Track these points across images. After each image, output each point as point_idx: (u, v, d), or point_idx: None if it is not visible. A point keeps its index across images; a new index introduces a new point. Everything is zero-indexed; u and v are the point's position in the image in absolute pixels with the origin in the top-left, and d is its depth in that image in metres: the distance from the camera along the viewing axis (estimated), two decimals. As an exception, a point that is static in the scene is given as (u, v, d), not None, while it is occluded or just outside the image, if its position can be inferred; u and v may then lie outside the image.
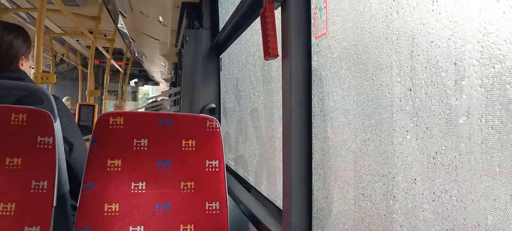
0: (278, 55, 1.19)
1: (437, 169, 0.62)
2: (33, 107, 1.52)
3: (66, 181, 1.64)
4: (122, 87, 9.31)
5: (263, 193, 1.77)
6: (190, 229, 1.56)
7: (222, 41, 2.43)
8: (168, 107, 3.92)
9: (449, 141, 0.60)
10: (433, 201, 0.64)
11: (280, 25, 1.20)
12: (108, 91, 6.92)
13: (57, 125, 1.54)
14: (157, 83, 12.50)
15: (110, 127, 1.58)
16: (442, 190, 0.62)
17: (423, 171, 0.66)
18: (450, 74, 0.59)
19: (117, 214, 1.53)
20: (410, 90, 0.69)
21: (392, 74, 0.74)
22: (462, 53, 0.57)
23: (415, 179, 0.68)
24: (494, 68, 0.52)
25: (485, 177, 0.54)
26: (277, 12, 1.22)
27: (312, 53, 1.14)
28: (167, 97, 4.39)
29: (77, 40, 7.07)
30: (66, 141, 1.68)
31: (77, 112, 4.69)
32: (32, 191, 1.46)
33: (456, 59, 0.58)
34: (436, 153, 0.63)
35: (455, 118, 0.59)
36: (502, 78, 0.50)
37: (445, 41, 0.60)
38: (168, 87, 9.14)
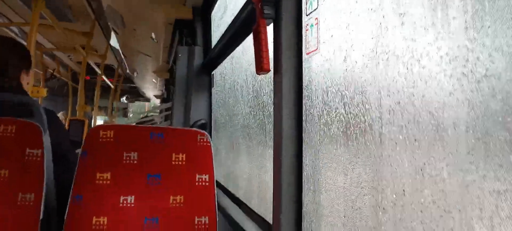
0: (270, 70, 1.20)
1: (425, 180, 0.64)
2: (22, 119, 1.51)
3: (53, 194, 1.62)
4: (112, 103, 9.27)
5: (253, 208, 1.76)
6: None
7: (214, 58, 2.45)
8: (158, 123, 3.91)
9: (437, 152, 0.61)
10: (421, 211, 0.65)
11: (272, 41, 1.22)
12: (99, 107, 6.88)
13: (46, 137, 1.53)
14: (148, 100, 12.47)
15: (100, 140, 1.57)
16: (430, 201, 0.63)
17: (411, 182, 0.67)
18: (436, 88, 0.61)
19: (105, 227, 1.51)
20: (398, 103, 0.70)
21: (380, 88, 0.76)
22: (449, 66, 0.59)
23: (404, 191, 0.69)
24: (479, 83, 0.54)
25: (471, 186, 0.55)
26: (270, 29, 1.24)
27: (303, 69, 1.16)
28: (158, 113, 4.37)
29: (68, 56, 7.05)
30: (58, 154, 1.67)
31: (67, 127, 4.65)
32: (18, 203, 1.44)
33: (442, 73, 0.60)
34: (424, 164, 0.64)
35: (442, 129, 0.60)
36: (487, 90, 0.52)
37: (434, 55, 0.62)
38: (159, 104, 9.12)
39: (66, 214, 1.49)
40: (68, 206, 1.49)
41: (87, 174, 1.54)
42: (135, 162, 1.58)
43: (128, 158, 1.58)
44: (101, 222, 1.52)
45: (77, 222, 1.49)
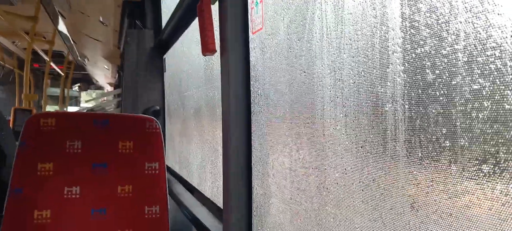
0: (216, 51, 1.16)
1: (365, 158, 0.62)
2: None
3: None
4: (64, 92, 8.85)
5: (206, 195, 1.73)
6: None
7: (165, 40, 2.37)
8: (110, 111, 3.77)
9: (376, 129, 0.60)
10: (362, 190, 0.63)
11: (218, 21, 1.18)
12: (49, 96, 6.55)
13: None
14: (101, 88, 12.03)
15: (41, 128, 1.48)
16: (370, 179, 0.62)
17: (352, 160, 0.65)
18: (375, 62, 0.59)
19: (48, 221, 1.43)
20: (339, 80, 0.68)
21: (323, 66, 0.74)
22: (386, 40, 0.57)
23: (346, 169, 0.67)
24: (415, 53, 0.52)
25: (409, 162, 0.54)
26: (215, 7, 1.20)
27: (250, 49, 1.12)
28: (111, 100, 4.21)
29: (13, 42, 6.64)
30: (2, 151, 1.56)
31: (12, 117, 4.39)
32: None
33: (380, 47, 0.58)
34: (364, 141, 0.63)
35: (381, 105, 0.59)
36: (422, 62, 0.51)
37: (370, 29, 0.60)
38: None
39: (4, 210, 1.39)
40: (6, 200, 1.40)
41: (27, 165, 1.44)
42: (79, 150, 1.49)
43: (71, 147, 1.50)
44: (44, 216, 1.44)
45: (16, 217, 1.40)
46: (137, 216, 1.50)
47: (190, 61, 1.98)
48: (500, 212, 0.40)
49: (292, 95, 0.88)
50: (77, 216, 1.46)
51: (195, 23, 1.80)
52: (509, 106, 0.38)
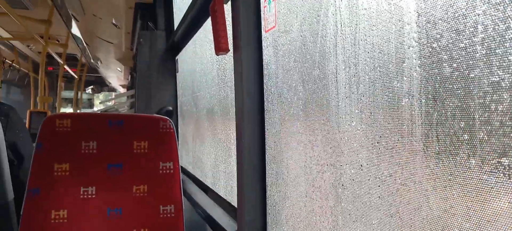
0: (229, 50, 1.16)
1: (382, 153, 0.62)
2: None
3: (10, 189, 1.53)
4: (77, 94, 8.96)
5: (220, 194, 1.73)
6: None
7: (177, 42, 2.38)
8: (124, 112, 3.80)
9: (392, 124, 0.59)
10: (379, 186, 0.63)
11: (231, 20, 1.18)
12: (64, 99, 6.64)
13: (-1, 131, 1.45)
14: (113, 90, 12.14)
15: (57, 129, 1.50)
16: (387, 174, 0.61)
17: (368, 156, 0.65)
18: (391, 57, 0.59)
19: (65, 221, 1.45)
20: (354, 76, 0.68)
21: (337, 62, 0.74)
22: (402, 35, 0.57)
23: (361, 166, 0.67)
24: (432, 47, 0.52)
25: (426, 156, 0.53)
26: (228, 7, 1.20)
27: (263, 47, 1.12)
28: (125, 101, 4.25)
29: (28, 46, 6.74)
30: (17, 152, 1.59)
31: (27, 120, 4.46)
32: None
33: (396, 42, 0.58)
34: (380, 137, 0.62)
35: (397, 100, 0.58)
36: (439, 56, 0.50)
37: (385, 24, 0.60)
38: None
39: (22, 210, 1.42)
40: (24, 201, 1.42)
41: (43, 166, 1.47)
42: (94, 151, 1.51)
43: (86, 148, 1.52)
44: (61, 216, 1.46)
45: (34, 217, 1.43)
46: (153, 215, 1.51)
47: (202, 62, 1.99)
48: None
49: (306, 93, 0.88)
50: (93, 216, 1.48)
51: (207, 23, 1.81)
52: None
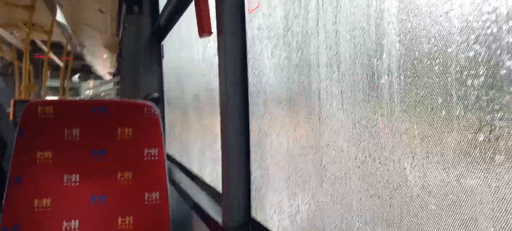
0: (212, 32, 1.14)
1: (362, 133, 0.61)
2: None
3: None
4: (64, 83, 8.83)
5: (206, 181, 1.72)
6: (129, 221, 1.49)
7: (162, 26, 2.34)
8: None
9: (372, 103, 0.59)
10: (358, 167, 0.63)
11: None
12: (49, 87, 6.54)
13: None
14: (100, 77, 11.98)
15: (39, 116, 1.47)
16: (366, 155, 0.61)
17: (349, 137, 0.65)
18: (371, 34, 0.58)
19: (48, 209, 1.43)
20: (336, 54, 0.67)
21: (319, 42, 0.73)
22: (381, 11, 0.56)
23: (342, 146, 0.66)
24: (410, 23, 0.51)
25: (405, 135, 0.53)
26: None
27: (247, 29, 1.11)
28: (112, 88, 4.20)
29: (11, 33, 6.60)
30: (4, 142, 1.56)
31: (12, 109, 4.39)
32: None
33: (376, 19, 0.57)
34: (360, 117, 0.62)
35: (377, 78, 0.58)
36: (416, 32, 0.49)
37: (365, 1, 0.59)
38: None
39: (4, 199, 1.39)
40: (6, 189, 1.40)
41: (26, 153, 1.44)
42: (78, 138, 1.49)
43: (70, 135, 1.49)
44: (44, 204, 1.44)
45: (16, 206, 1.41)
46: (137, 202, 1.50)
47: (188, 46, 1.97)
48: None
49: (288, 75, 0.86)
50: (77, 203, 1.46)
51: (192, 7, 1.78)
52: (504, 71, 0.37)
